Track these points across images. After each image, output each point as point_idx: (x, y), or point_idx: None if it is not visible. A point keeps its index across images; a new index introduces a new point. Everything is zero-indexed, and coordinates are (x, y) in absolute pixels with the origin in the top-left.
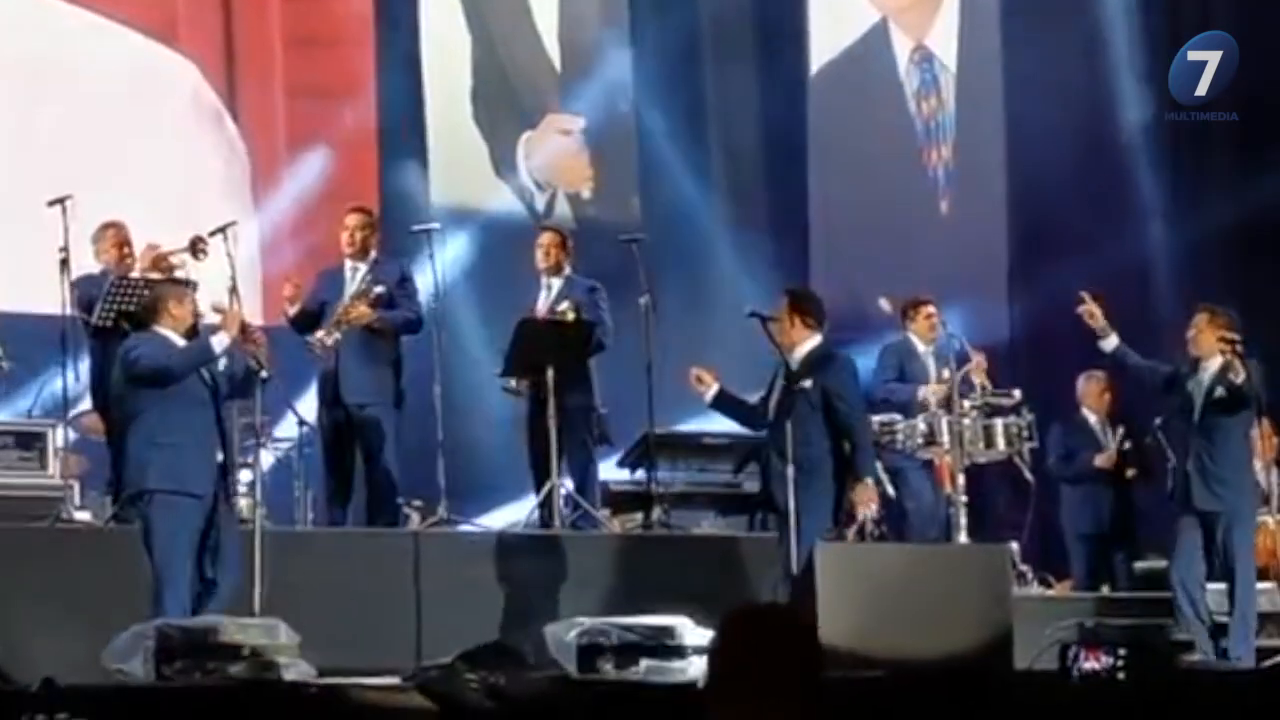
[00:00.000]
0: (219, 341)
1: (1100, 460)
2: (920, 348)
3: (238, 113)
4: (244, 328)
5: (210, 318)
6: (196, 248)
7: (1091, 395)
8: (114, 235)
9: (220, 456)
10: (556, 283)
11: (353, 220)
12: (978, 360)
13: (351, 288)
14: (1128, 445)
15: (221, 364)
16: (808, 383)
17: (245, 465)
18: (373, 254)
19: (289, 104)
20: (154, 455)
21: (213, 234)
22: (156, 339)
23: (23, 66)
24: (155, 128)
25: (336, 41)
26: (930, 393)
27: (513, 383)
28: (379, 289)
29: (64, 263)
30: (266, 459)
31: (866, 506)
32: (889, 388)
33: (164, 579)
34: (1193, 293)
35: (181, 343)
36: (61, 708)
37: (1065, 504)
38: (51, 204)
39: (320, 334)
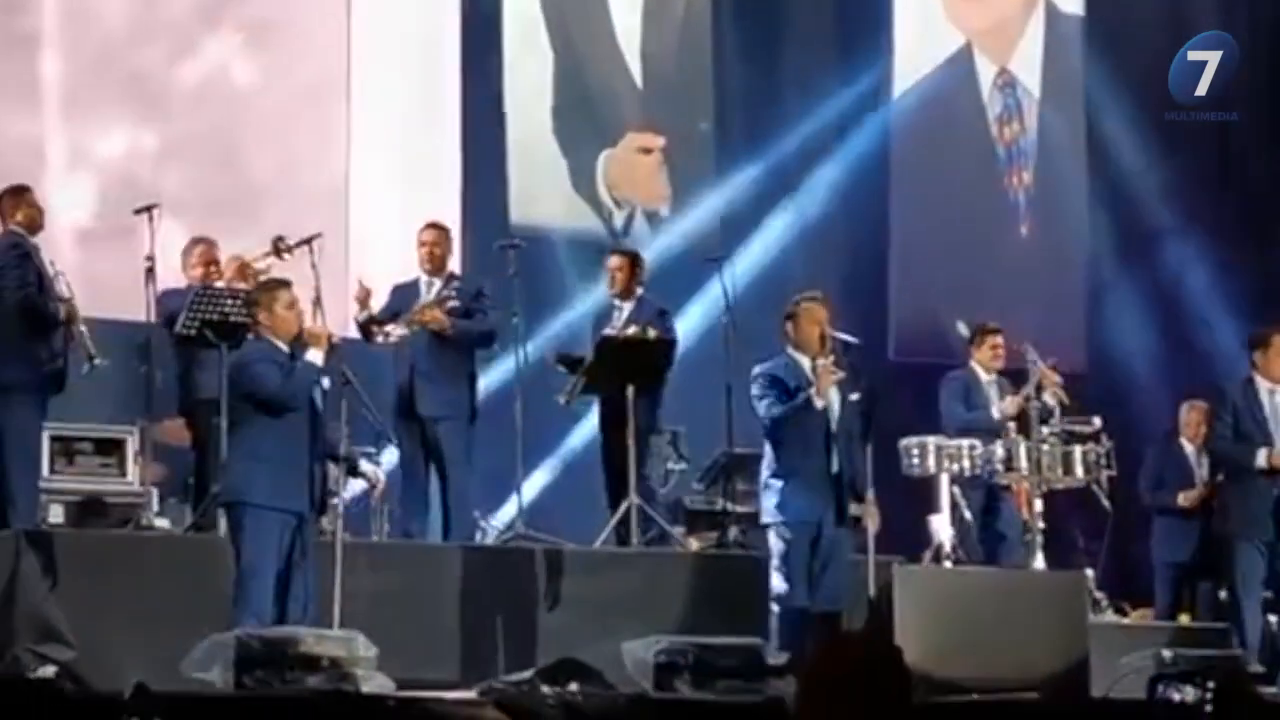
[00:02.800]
0: (315, 358)
1: (1183, 499)
2: (984, 376)
3: None
4: (329, 341)
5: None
6: (279, 248)
7: (1191, 425)
8: (203, 252)
9: (312, 468)
10: (627, 306)
11: (429, 236)
12: (1048, 375)
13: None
14: (1219, 478)
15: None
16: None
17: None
18: (449, 269)
19: None
20: (253, 468)
21: (297, 245)
22: (268, 352)
23: None
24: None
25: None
26: (1005, 408)
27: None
28: (453, 301)
29: (150, 271)
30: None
31: (873, 521)
32: (969, 419)
33: (246, 589)
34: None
35: (286, 349)
36: (154, 713)
37: (1156, 532)
38: (138, 212)
39: (389, 327)
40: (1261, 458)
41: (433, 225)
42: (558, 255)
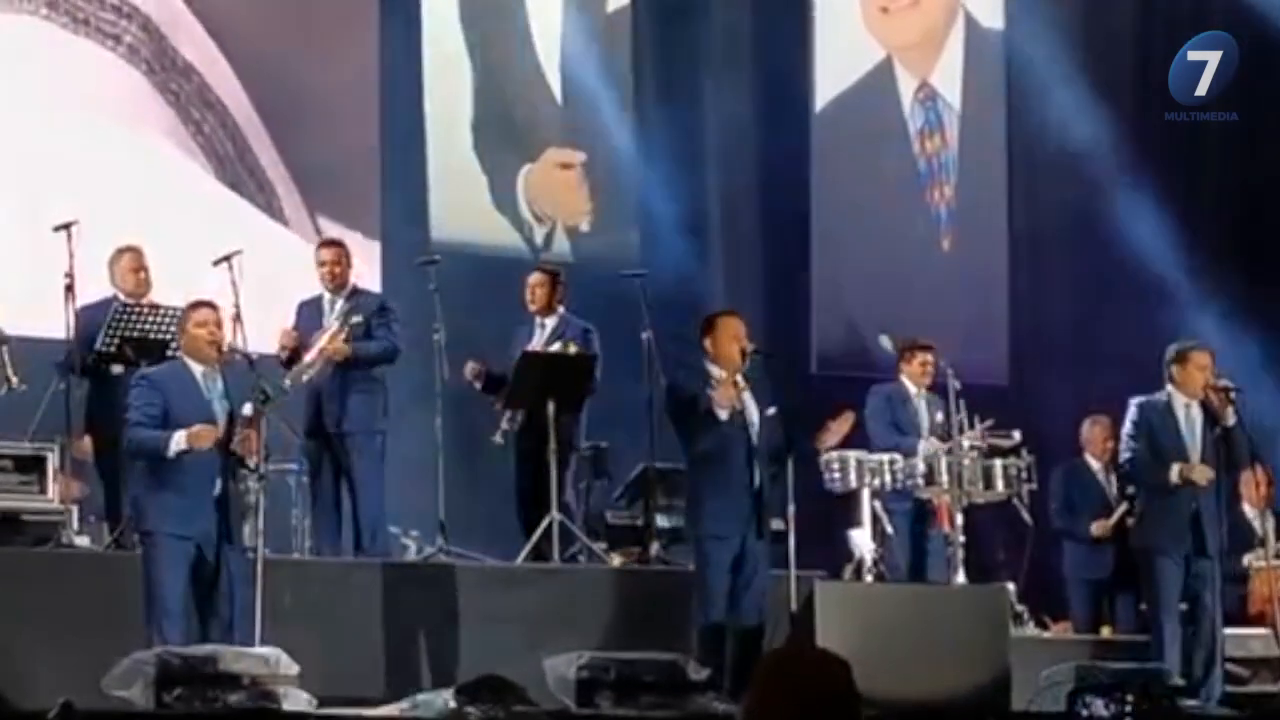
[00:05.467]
0: (176, 443)
1: (1097, 529)
2: (912, 391)
3: None
4: (249, 360)
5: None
6: None
7: (1095, 441)
8: (130, 260)
9: (218, 490)
10: (550, 322)
11: (327, 254)
12: (980, 430)
13: (329, 320)
14: (1130, 494)
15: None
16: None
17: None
18: (350, 286)
19: None
20: (152, 497)
21: (216, 263)
22: (166, 378)
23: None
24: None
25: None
26: (928, 449)
27: (498, 434)
28: (356, 319)
29: (69, 288)
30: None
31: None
32: (893, 442)
33: (154, 614)
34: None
35: (199, 370)
36: None
37: (1067, 551)
38: (57, 229)
39: (295, 370)
40: (1174, 473)
41: (330, 243)
42: (478, 271)
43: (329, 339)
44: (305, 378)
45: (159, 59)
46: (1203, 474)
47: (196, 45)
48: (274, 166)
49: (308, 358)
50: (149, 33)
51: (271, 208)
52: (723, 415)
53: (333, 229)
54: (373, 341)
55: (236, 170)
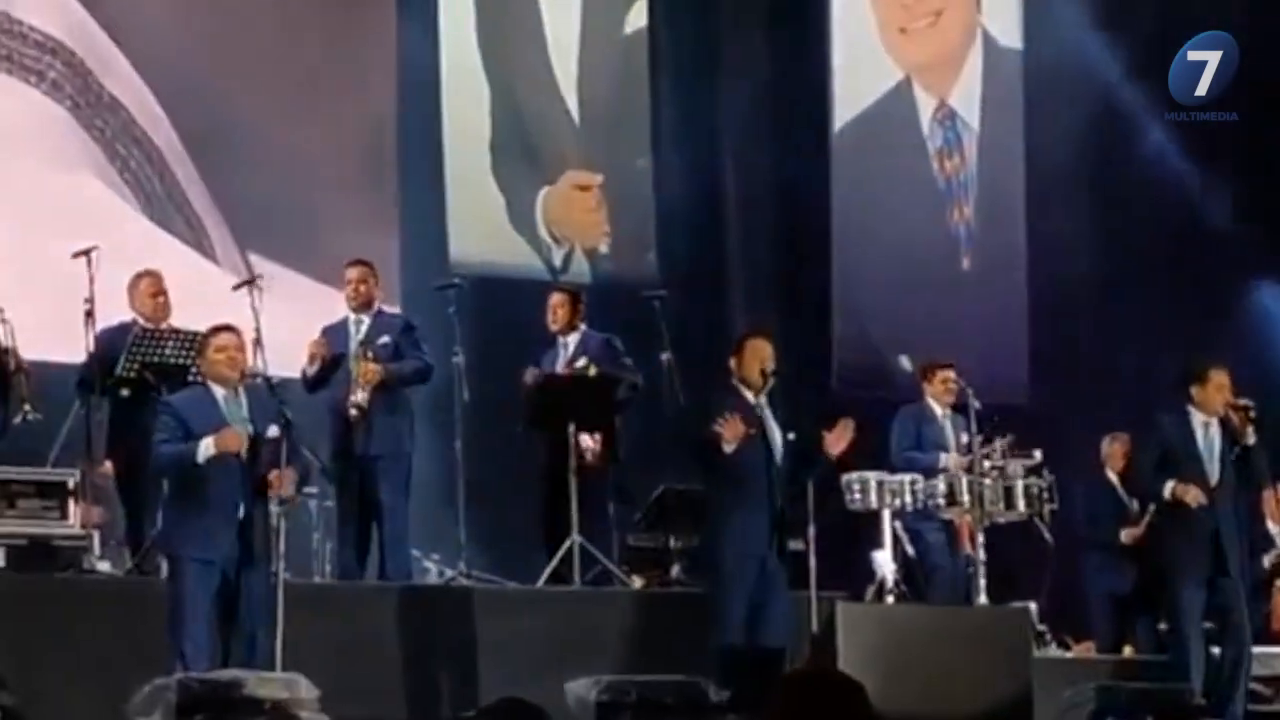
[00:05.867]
0: (205, 449)
1: (1126, 536)
2: (938, 411)
3: None
4: (269, 383)
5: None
6: None
7: (1115, 457)
8: (149, 284)
9: (241, 513)
10: (572, 340)
11: (354, 273)
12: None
13: (356, 340)
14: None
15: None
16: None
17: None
18: (376, 305)
19: None
20: (178, 517)
21: (236, 288)
22: (189, 404)
23: None
24: None
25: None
26: (954, 464)
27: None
28: (383, 339)
29: (89, 314)
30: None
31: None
32: (909, 456)
33: (178, 637)
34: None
35: (221, 394)
36: None
37: (1089, 565)
38: (76, 255)
39: (353, 400)
40: (1167, 490)
41: (358, 262)
42: (497, 293)
43: (360, 371)
44: (356, 408)
45: (84, 94)
46: (1195, 497)
47: (122, 80)
48: (202, 201)
49: (352, 398)
50: (73, 68)
51: (201, 245)
52: (728, 449)
53: (265, 266)
54: (407, 361)
55: (165, 207)
